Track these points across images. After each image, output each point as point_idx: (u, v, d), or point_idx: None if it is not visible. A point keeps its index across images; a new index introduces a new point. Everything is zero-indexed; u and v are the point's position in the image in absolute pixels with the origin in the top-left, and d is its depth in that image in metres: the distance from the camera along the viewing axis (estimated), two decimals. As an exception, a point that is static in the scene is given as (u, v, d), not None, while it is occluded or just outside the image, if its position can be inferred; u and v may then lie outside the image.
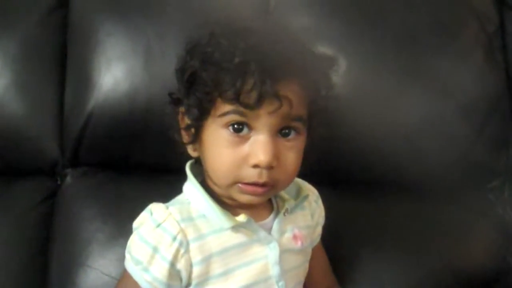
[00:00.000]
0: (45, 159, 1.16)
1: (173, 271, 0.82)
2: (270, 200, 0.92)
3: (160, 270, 0.82)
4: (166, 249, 0.82)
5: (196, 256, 0.83)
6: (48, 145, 1.15)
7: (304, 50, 0.83)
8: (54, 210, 1.14)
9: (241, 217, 0.84)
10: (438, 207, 1.17)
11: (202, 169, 0.88)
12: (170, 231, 0.82)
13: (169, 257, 0.82)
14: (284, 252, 0.88)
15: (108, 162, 1.17)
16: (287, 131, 0.82)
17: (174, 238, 0.82)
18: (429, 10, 1.21)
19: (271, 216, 0.90)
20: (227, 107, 0.80)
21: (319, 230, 0.98)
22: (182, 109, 0.86)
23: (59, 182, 1.17)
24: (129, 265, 0.84)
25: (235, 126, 0.81)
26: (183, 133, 0.87)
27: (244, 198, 0.84)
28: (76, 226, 1.10)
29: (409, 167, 1.16)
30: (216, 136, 0.82)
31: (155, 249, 0.82)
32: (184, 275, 0.83)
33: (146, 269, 0.82)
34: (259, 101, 0.78)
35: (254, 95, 0.78)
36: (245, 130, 0.81)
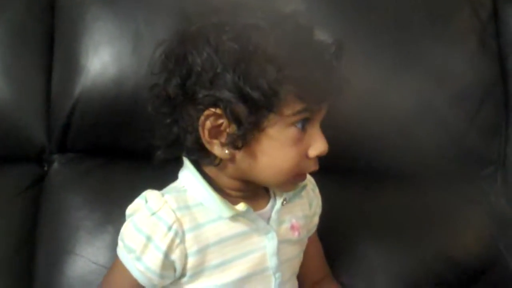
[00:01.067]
0: (31, 145, 1.14)
1: (167, 262, 0.80)
2: (267, 189, 0.90)
3: (153, 260, 0.80)
4: (160, 239, 0.79)
5: (191, 246, 0.81)
6: (35, 131, 1.13)
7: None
8: (41, 197, 1.12)
9: (241, 206, 0.82)
10: (430, 195, 1.17)
11: (200, 157, 0.84)
12: (166, 220, 0.80)
13: (164, 247, 0.79)
14: (281, 242, 0.87)
15: (95, 148, 1.15)
16: None
17: (170, 228, 0.79)
18: (421, -4, 1.20)
19: (269, 205, 0.88)
20: (299, 105, 0.77)
21: (316, 220, 0.97)
22: (211, 110, 0.78)
23: (46, 169, 1.15)
24: (122, 253, 0.82)
25: (304, 122, 0.79)
26: (207, 135, 0.79)
27: (294, 187, 0.86)
28: (63, 213, 1.08)
29: (401, 154, 1.16)
30: (280, 136, 0.79)
31: (149, 238, 0.79)
32: (178, 266, 0.81)
33: (138, 258, 0.80)
34: (330, 94, 0.78)
35: (329, 90, 0.78)
36: (308, 124, 0.80)
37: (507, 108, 1.23)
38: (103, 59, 1.10)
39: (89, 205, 1.08)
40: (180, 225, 0.80)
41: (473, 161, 1.21)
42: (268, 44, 0.76)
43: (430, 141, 1.17)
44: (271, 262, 0.86)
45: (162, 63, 0.82)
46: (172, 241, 0.80)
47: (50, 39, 1.15)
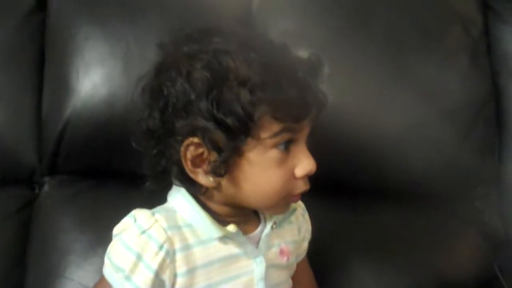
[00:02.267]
0: (22, 166, 1.13)
1: (157, 281, 0.78)
2: (256, 213, 0.89)
3: (144, 280, 0.77)
4: (151, 258, 0.77)
5: (181, 267, 0.79)
6: (25, 153, 1.13)
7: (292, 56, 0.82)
8: (31, 220, 1.11)
9: (231, 227, 0.81)
10: (423, 214, 1.16)
11: (187, 186, 0.83)
12: (157, 238, 0.78)
13: (155, 266, 0.77)
14: (269, 267, 0.85)
15: (86, 170, 1.14)
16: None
17: (161, 247, 0.78)
18: (413, 14, 1.20)
19: (259, 229, 0.87)
20: (277, 126, 0.76)
21: (305, 245, 0.96)
22: (190, 140, 0.77)
23: (36, 191, 1.14)
24: (109, 271, 0.80)
25: (286, 144, 0.78)
26: (190, 165, 0.79)
27: (285, 209, 0.85)
28: (54, 236, 1.07)
29: (394, 173, 1.16)
30: (262, 160, 0.77)
31: (139, 257, 0.77)
32: (167, 285, 0.79)
33: (128, 278, 0.78)
34: (308, 112, 0.77)
35: (307, 108, 0.77)
36: (291, 144, 0.79)
37: (500, 126, 1.22)
38: (94, 80, 1.10)
39: (79, 228, 1.07)
40: (171, 244, 0.79)
41: (466, 179, 1.20)
42: (239, 67, 0.75)
43: (421, 160, 1.16)
44: (258, 286, 0.84)
45: (141, 97, 0.82)
46: (163, 260, 0.78)
47: (41, 60, 1.15)
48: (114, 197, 1.10)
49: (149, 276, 0.77)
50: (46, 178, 1.14)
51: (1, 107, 1.12)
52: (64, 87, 1.11)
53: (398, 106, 1.15)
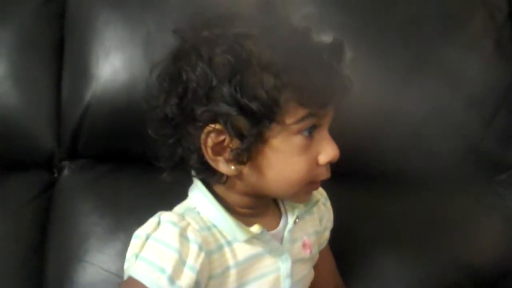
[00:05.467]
0: (42, 151, 1.14)
1: (196, 283, 0.74)
2: (276, 203, 0.87)
3: (187, 281, 0.73)
4: (194, 259, 0.73)
5: (216, 268, 0.76)
6: (45, 138, 1.13)
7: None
8: (51, 204, 1.11)
9: (255, 228, 0.79)
10: (445, 200, 1.15)
11: (207, 176, 0.80)
12: (195, 239, 0.74)
13: (197, 266, 0.73)
14: (294, 262, 0.83)
15: (106, 155, 1.14)
16: None
17: (201, 247, 0.74)
18: (436, -1, 1.18)
19: (281, 224, 0.85)
20: (302, 111, 0.74)
21: (326, 234, 0.95)
22: (211, 127, 0.75)
23: (56, 175, 1.15)
24: (142, 272, 0.73)
25: (310, 130, 0.76)
26: (211, 153, 0.76)
27: (307, 197, 0.83)
28: (74, 220, 1.07)
29: (417, 159, 1.14)
30: (286, 146, 0.75)
31: (181, 256, 0.73)
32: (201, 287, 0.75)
33: (170, 279, 0.72)
34: (333, 97, 0.75)
35: (332, 93, 0.75)
36: (315, 130, 0.77)
37: (524, 112, 1.21)
38: (114, 64, 1.09)
39: (99, 212, 1.07)
40: (207, 245, 0.76)
41: (489, 166, 1.18)
42: (262, 51, 0.73)
43: (445, 146, 1.15)
44: (285, 284, 0.82)
45: (158, 84, 0.80)
46: (203, 261, 0.74)
47: (60, 45, 1.15)
48: (133, 181, 1.11)
49: (192, 278, 0.73)
50: (66, 163, 1.14)
51: (21, 92, 1.12)
52: (84, 72, 1.11)
53: (421, 91, 1.13)
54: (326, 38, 0.79)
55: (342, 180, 1.07)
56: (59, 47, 1.15)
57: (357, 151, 1.09)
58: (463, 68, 1.15)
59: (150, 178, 1.07)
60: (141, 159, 1.11)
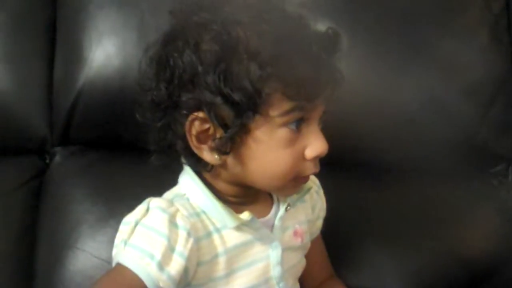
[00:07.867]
0: (33, 137, 1.12)
1: (185, 269, 0.74)
2: (269, 193, 0.86)
3: (177, 267, 0.73)
4: (183, 245, 0.73)
5: (205, 255, 0.76)
6: (37, 123, 1.12)
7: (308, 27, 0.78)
8: (42, 190, 1.10)
9: (245, 215, 0.78)
10: (440, 191, 1.15)
11: (192, 162, 0.80)
12: (184, 225, 0.74)
13: (186, 253, 0.73)
14: (285, 250, 0.83)
15: (98, 141, 1.13)
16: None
17: (189, 233, 0.74)
18: (433, -13, 1.18)
19: (272, 211, 0.85)
20: (288, 104, 0.72)
21: (319, 223, 0.94)
22: (195, 115, 0.74)
23: (47, 161, 1.14)
24: (130, 258, 0.72)
25: (297, 123, 0.74)
26: (195, 141, 0.76)
27: (295, 191, 0.82)
28: (65, 207, 1.06)
29: (411, 149, 1.14)
30: (270, 139, 0.74)
31: (170, 242, 0.72)
32: (190, 275, 0.75)
33: (159, 265, 0.71)
34: (322, 90, 0.74)
35: (320, 86, 0.73)
36: (303, 124, 0.75)
37: (519, 103, 1.20)
38: (107, 49, 1.08)
39: (91, 199, 1.06)
40: (196, 231, 0.76)
41: (484, 157, 1.18)
42: (250, 39, 0.72)
43: (439, 137, 1.14)
44: (275, 271, 0.82)
45: (149, 67, 0.79)
46: (192, 247, 0.74)
47: (53, 28, 1.13)
48: (126, 168, 1.10)
49: (181, 264, 0.73)
50: (58, 149, 1.13)
51: (12, 76, 1.10)
52: (76, 56, 1.10)
53: (416, 80, 1.13)
54: (321, 27, 0.78)
55: (335, 169, 1.08)
56: (52, 31, 1.13)
57: (351, 140, 1.09)
58: (459, 57, 1.15)
59: (142, 166, 1.05)
60: (134, 146, 1.10)
